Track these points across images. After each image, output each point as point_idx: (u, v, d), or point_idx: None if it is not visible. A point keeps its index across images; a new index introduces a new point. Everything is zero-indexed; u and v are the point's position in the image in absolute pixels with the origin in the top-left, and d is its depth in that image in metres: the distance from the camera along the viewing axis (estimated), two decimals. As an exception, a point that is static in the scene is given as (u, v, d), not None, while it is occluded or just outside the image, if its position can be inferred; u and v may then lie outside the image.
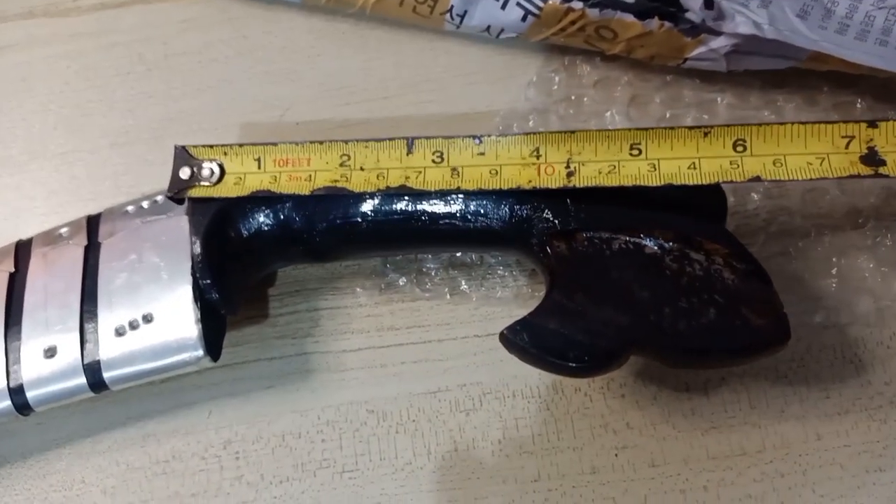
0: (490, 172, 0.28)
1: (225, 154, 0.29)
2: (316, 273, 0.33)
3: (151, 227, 0.29)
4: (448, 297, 0.32)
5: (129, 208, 0.30)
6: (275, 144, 0.29)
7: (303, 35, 0.36)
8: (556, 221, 0.28)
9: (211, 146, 0.29)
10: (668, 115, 0.34)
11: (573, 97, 0.35)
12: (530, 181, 0.27)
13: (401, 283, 0.32)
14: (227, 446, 0.31)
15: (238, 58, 0.36)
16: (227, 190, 0.28)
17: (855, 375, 0.31)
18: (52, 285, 0.28)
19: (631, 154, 0.27)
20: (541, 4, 0.32)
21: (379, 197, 0.28)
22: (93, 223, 0.30)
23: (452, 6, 0.33)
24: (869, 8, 0.32)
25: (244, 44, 0.36)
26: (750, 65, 0.32)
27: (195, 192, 0.29)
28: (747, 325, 0.26)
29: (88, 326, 0.28)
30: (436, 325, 0.32)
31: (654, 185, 0.26)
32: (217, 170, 0.29)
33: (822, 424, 0.30)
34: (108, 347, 0.27)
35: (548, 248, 0.27)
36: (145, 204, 0.30)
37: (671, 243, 0.27)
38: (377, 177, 0.28)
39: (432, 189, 0.28)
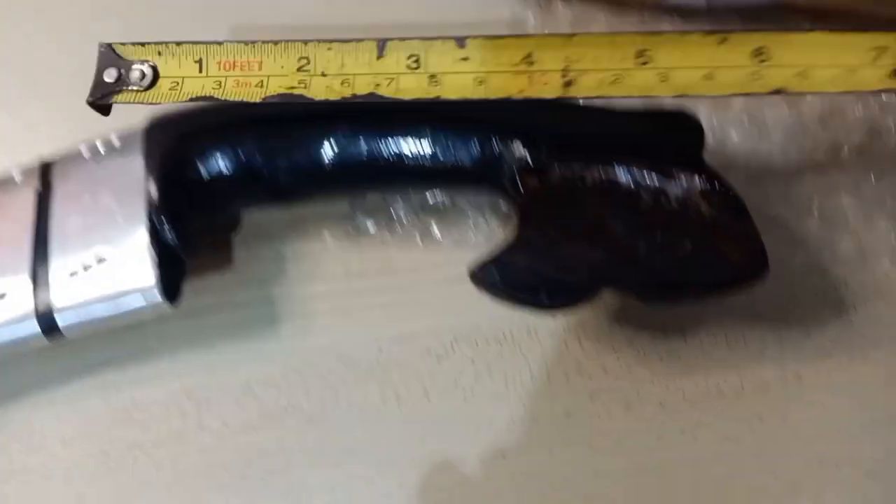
0: (475, 81, 0.25)
1: (159, 54, 0.25)
2: (281, 217, 0.31)
3: (106, 169, 0.28)
4: (419, 241, 0.31)
5: (84, 151, 0.29)
6: (219, 44, 0.25)
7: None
8: (528, 156, 0.27)
9: (143, 44, 0.25)
10: (645, 53, 0.33)
11: (547, 35, 0.33)
12: (521, 90, 0.25)
13: (370, 228, 0.31)
14: (189, 395, 0.29)
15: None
16: (161, 96, 0.25)
17: (836, 316, 0.30)
18: (3, 229, 0.27)
19: (637, 62, 0.25)
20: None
21: (344, 130, 0.27)
22: (46, 167, 0.29)
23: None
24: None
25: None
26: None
27: (121, 98, 0.25)
28: (724, 257, 0.25)
29: (40, 271, 0.27)
30: (406, 270, 0.31)
31: (666, 95, 0.24)
32: (149, 72, 0.25)
33: (802, 366, 0.29)
34: (60, 292, 0.26)
35: (519, 184, 0.26)
36: (100, 146, 0.29)
37: (646, 175, 0.26)
38: (341, 83, 0.25)
39: (406, 98, 0.25)
